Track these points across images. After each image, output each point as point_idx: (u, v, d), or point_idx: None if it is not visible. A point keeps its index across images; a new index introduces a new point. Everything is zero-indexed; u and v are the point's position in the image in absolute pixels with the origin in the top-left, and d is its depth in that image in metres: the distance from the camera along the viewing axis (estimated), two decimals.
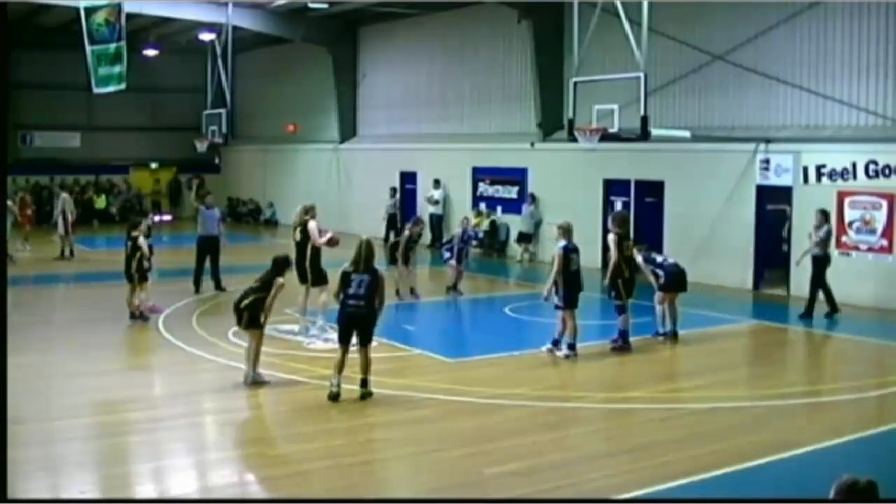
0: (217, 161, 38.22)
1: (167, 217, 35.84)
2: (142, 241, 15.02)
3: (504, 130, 25.30)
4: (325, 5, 27.27)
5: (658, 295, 14.04)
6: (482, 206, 25.72)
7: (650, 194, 21.27)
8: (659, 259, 14.49)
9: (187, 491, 7.96)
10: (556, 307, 12.78)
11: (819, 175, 17.86)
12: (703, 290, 17.47)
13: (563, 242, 12.77)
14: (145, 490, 8.05)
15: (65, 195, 24.56)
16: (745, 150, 19.11)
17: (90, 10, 21.91)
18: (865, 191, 17.14)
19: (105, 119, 35.50)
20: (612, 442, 9.45)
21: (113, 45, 21.97)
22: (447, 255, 18.47)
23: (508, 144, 24.78)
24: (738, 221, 19.27)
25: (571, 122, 17.93)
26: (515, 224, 24.50)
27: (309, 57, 31.84)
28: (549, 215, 22.45)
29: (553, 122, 22.94)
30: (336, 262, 11.61)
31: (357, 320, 10.34)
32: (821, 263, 15.93)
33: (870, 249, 17.17)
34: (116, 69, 22.20)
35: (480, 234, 24.58)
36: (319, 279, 13.79)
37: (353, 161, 31.14)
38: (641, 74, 16.53)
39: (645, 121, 16.56)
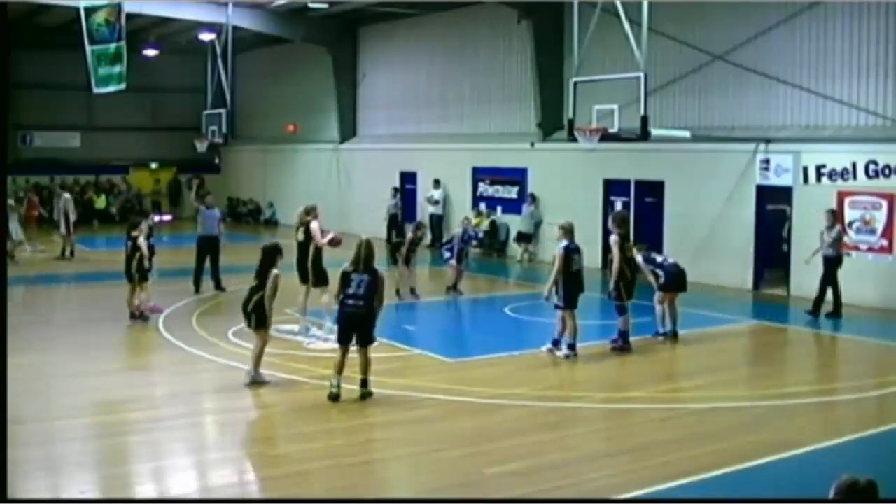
0: (217, 161, 38.22)
1: (167, 217, 35.79)
2: (141, 241, 15.02)
3: (504, 130, 25.29)
4: (325, 5, 27.27)
5: (658, 295, 14.04)
6: (482, 206, 25.71)
7: (650, 194, 21.26)
8: (659, 259, 14.49)
9: (187, 491, 7.97)
10: (556, 307, 12.79)
11: (819, 175, 17.86)
12: (703, 290, 17.46)
13: (564, 242, 12.76)
14: (145, 490, 8.05)
15: (66, 195, 24.54)
16: (745, 150, 19.10)
17: (90, 10, 21.91)
18: (865, 191, 17.14)
19: (105, 119, 35.50)
20: (612, 442, 9.45)
21: (113, 45, 21.97)
22: (447, 255, 18.46)
23: (508, 144, 24.78)
24: (738, 221, 19.27)
25: (571, 122, 17.94)
26: (515, 224, 24.49)
27: (309, 57, 31.83)
28: (549, 215, 22.46)
29: (553, 122, 22.94)
30: (337, 263, 11.62)
31: (356, 320, 10.33)
32: (833, 263, 15.94)
33: (870, 249, 17.17)
34: (116, 69, 22.21)
35: (480, 234, 24.55)
36: (321, 280, 13.79)
37: (353, 161, 31.13)
38: (641, 74, 16.54)
39: (645, 121, 16.57)
